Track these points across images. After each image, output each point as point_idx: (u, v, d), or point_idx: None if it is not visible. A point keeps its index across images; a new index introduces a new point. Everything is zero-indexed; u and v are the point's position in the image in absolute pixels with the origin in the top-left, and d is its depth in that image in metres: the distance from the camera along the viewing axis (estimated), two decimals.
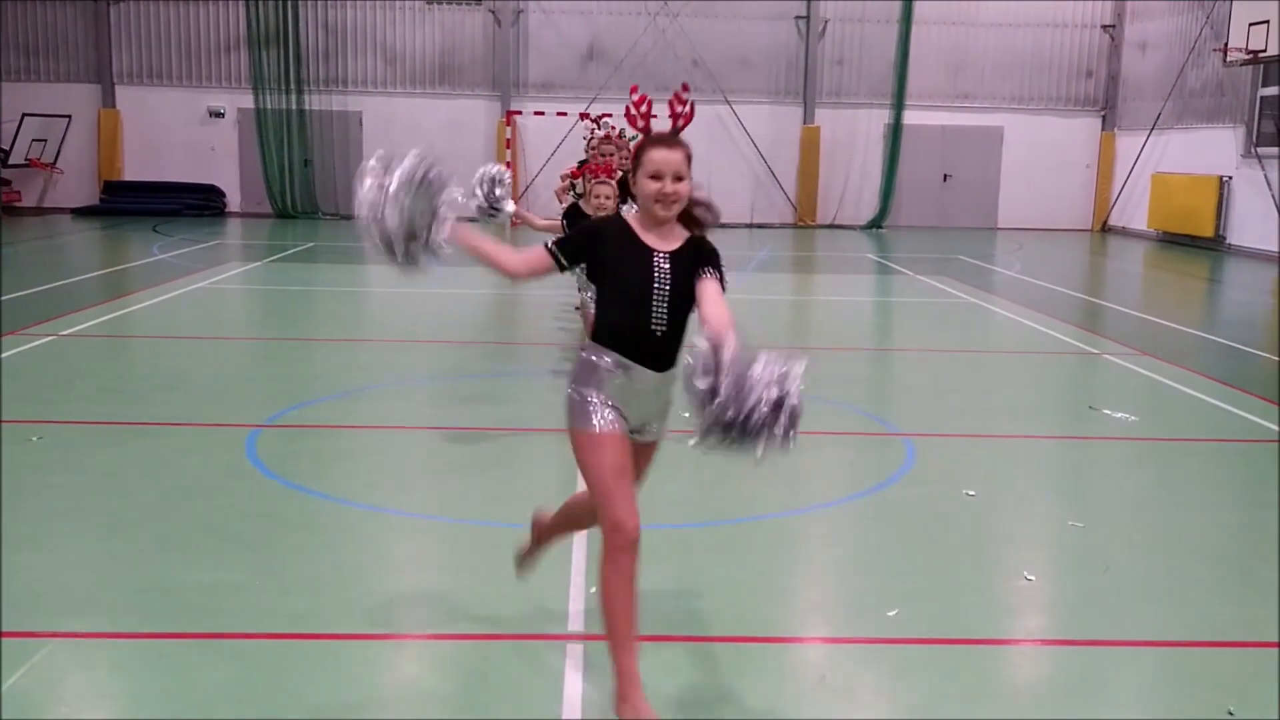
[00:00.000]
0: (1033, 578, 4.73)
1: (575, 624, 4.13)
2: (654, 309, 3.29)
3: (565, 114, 22.10)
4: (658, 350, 3.33)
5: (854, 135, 24.72)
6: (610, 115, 18.77)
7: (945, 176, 25.11)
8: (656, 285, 3.29)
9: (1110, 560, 4.97)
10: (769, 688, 3.72)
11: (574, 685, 3.65)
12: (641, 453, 3.48)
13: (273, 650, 3.89)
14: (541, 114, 23.65)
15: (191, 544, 4.87)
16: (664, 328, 3.31)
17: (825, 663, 4.01)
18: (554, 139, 23.27)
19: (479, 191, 5.49)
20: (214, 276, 14.07)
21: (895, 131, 24.47)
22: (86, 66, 24.09)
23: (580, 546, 4.89)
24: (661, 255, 3.32)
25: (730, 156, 24.14)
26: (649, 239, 3.34)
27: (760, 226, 24.16)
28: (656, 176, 3.26)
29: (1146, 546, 5.23)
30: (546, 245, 3.43)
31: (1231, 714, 3.55)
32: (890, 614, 4.29)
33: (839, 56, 24.69)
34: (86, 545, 4.82)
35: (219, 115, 24.31)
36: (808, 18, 24.19)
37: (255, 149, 24.18)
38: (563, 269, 3.40)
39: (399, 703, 3.60)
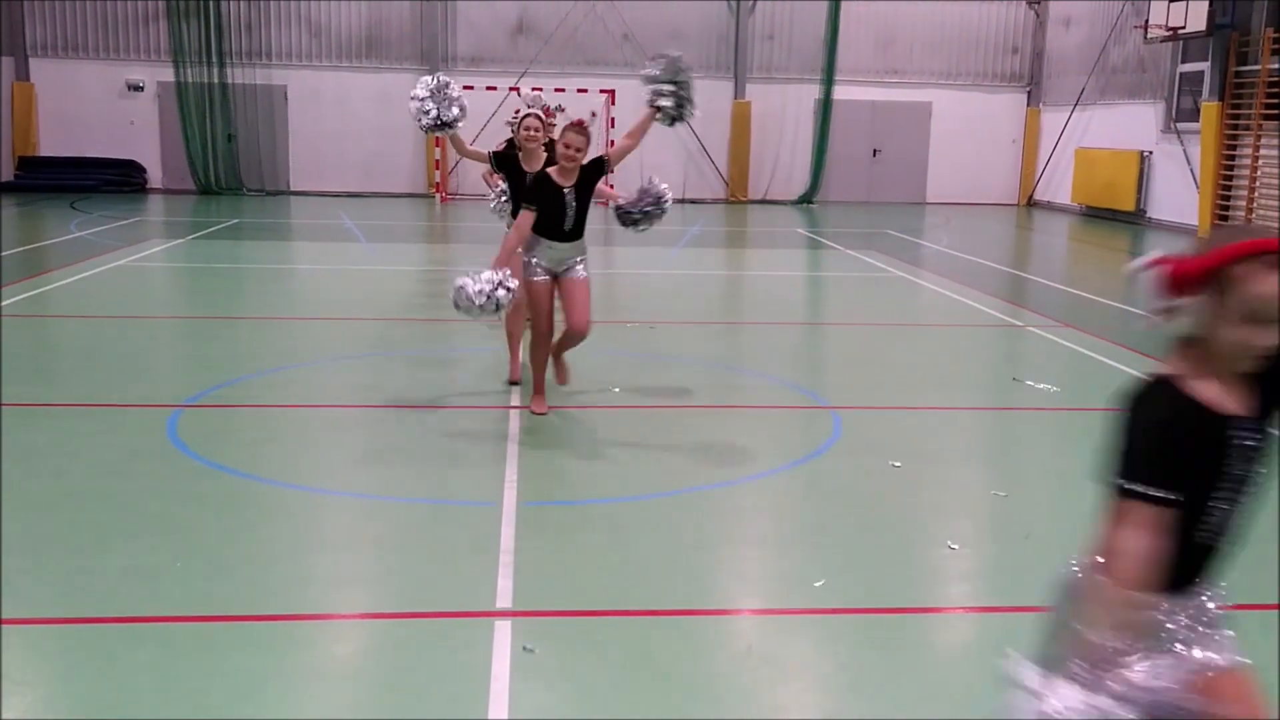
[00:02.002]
0: (956, 546, 4.81)
1: (503, 600, 4.12)
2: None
3: (495, 88, 21.90)
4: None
5: (785, 110, 24.81)
6: (541, 90, 18.76)
7: (875, 151, 25.30)
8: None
9: (1031, 528, 5.08)
10: (696, 659, 3.75)
11: (502, 661, 3.64)
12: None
13: (197, 633, 3.83)
14: (471, 88, 23.30)
15: (112, 526, 4.78)
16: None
17: (752, 633, 4.05)
18: (484, 113, 23.02)
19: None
20: (135, 254, 13.76)
21: (825, 107, 24.59)
22: None
23: (509, 523, 4.88)
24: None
25: (661, 131, 23.89)
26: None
27: (692, 202, 24.16)
28: None
29: (1067, 514, 5.34)
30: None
31: None
32: (817, 584, 4.34)
33: (769, 32, 24.72)
34: (3, 529, 4.70)
35: (138, 88, 23.70)
36: None
37: (176, 123, 23.61)
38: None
39: (326, 683, 3.57)
